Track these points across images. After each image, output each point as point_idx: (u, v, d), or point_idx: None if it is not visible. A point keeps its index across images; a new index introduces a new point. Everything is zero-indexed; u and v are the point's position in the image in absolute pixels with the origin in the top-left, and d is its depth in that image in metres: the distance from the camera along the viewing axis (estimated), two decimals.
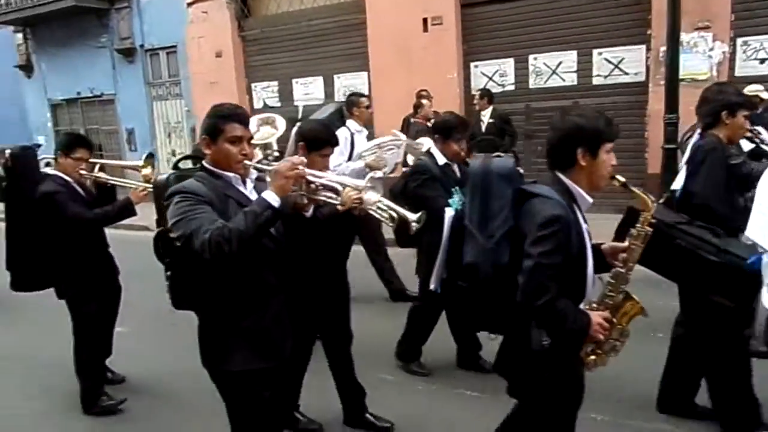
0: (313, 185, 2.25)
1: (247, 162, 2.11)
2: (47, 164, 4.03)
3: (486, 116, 7.39)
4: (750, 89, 5.37)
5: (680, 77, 6.27)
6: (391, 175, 4.94)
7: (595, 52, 7.83)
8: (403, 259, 5.44)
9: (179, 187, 2.02)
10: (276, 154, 3.58)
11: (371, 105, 5.49)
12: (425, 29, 8.69)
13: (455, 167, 3.62)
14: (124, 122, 12.68)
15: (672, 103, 6.15)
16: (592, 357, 2.08)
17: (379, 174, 2.44)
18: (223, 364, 2.11)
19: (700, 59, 7.04)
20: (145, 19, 11.73)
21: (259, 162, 3.35)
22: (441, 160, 3.58)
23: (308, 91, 10.24)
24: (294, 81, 10.38)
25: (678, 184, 3.02)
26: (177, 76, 11.67)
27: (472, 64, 8.72)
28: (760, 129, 3.79)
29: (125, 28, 11.92)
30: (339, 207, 2.51)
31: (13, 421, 3.72)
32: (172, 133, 12.18)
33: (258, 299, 2.13)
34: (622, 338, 2.09)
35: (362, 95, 5.52)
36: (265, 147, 4.15)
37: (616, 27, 7.67)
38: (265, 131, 4.20)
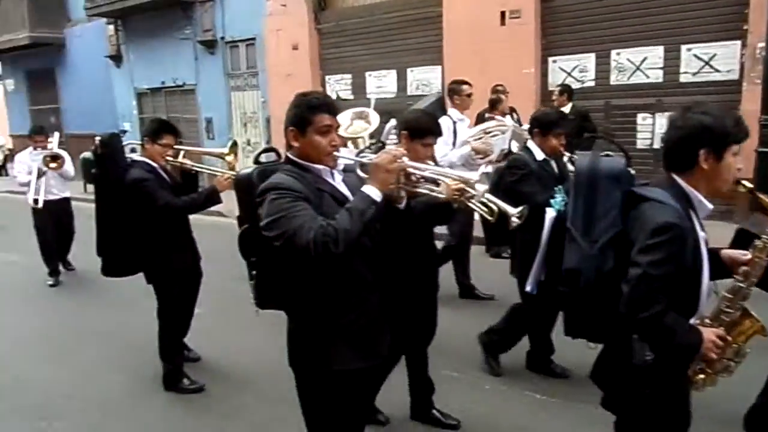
0: (413, 177, 2.16)
1: (337, 154, 2.03)
2: (132, 150, 4.15)
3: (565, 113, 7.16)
4: None
5: None
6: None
7: (683, 47, 7.41)
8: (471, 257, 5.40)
9: (274, 183, 1.92)
10: (378, 144, 3.54)
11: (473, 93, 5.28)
12: (502, 23, 8.51)
13: (553, 163, 3.51)
14: (204, 111, 13.17)
15: None
16: (701, 376, 1.91)
17: (484, 169, 2.32)
18: (322, 364, 2.03)
19: None
20: (226, 12, 12.11)
21: (363, 151, 3.37)
22: (539, 155, 3.47)
23: (381, 84, 10.28)
24: (367, 74, 10.44)
25: None
26: (254, 67, 11.99)
27: (550, 59, 8.47)
28: None
29: (208, 20, 12.36)
30: (441, 198, 2.33)
31: (101, 392, 3.97)
32: (248, 123, 12.55)
33: (355, 297, 2.05)
34: (737, 358, 1.90)
35: (464, 82, 5.23)
36: (357, 141, 4.11)
37: (708, 21, 7.22)
38: (358, 125, 4.15)
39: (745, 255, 1.87)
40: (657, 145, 7.59)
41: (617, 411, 2.02)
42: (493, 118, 6.62)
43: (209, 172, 4.01)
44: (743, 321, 1.89)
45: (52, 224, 6.60)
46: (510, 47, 8.39)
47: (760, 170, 5.83)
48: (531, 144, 3.55)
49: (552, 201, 3.00)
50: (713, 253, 1.90)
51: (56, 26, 15.98)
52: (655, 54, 7.62)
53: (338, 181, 2.09)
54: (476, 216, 2.72)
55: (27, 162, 6.46)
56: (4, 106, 19.94)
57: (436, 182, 2.24)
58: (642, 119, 7.82)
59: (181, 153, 3.87)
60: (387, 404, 3.29)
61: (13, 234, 9.32)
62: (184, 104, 13.67)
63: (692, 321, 1.85)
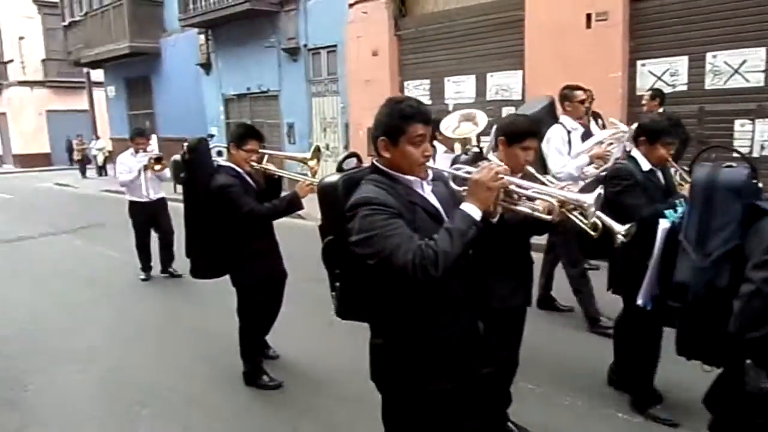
0: (514, 195, 2.00)
1: (429, 164, 1.94)
2: (219, 153, 4.26)
3: None
4: None
5: None
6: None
7: None
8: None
9: (366, 197, 1.83)
10: (476, 149, 3.37)
11: (588, 99, 4.76)
12: (588, 25, 8.23)
13: (659, 174, 3.28)
14: (286, 117, 13.60)
15: None
16: None
17: (600, 189, 2.09)
18: (413, 384, 1.96)
19: None
20: (309, 20, 12.46)
21: (457, 157, 3.31)
22: (645, 165, 3.23)
23: (460, 89, 10.21)
24: (446, 79, 10.40)
25: None
26: (335, 73, 12.25)
27: (638, 63, 8.09)
28: None
29: (292, 28, 12.76)
30: (544, 218, 2.13)
31: (185, 383, 4.17)
32: (327, 128, 12.84)
33: (448, 314, 1.96)
34: None
35: (578, 87, 4.71)
36: (465, 142, 3.99)
37: None
38: (466, 127, 4.02)
39: None
40: (756, 153, 7.08)
41: None
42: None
43: (292, 177, 4.05)
44: None
45: (149, 223, 6.93)
46: (596, 50, 8.10)
47: None
48: (636, 153, 3.30)
49: (667, 212, 2.79)
50: None
51: (153, 36, 17.07)
52: (757, 56, 7.10)
53: (428, 192, 1.99)
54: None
55: (129, 163, 6.75)
56: (105, 111, 21.48)
57: (538, 200, 2.06)
58: (740, 126, 7.31)
59: (265, 157, 3.92)
60: None
61: (111, 230, 10.03)
62: (267, 109, 14.17)
63: None
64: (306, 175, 3.88)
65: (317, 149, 4.05)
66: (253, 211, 3.65)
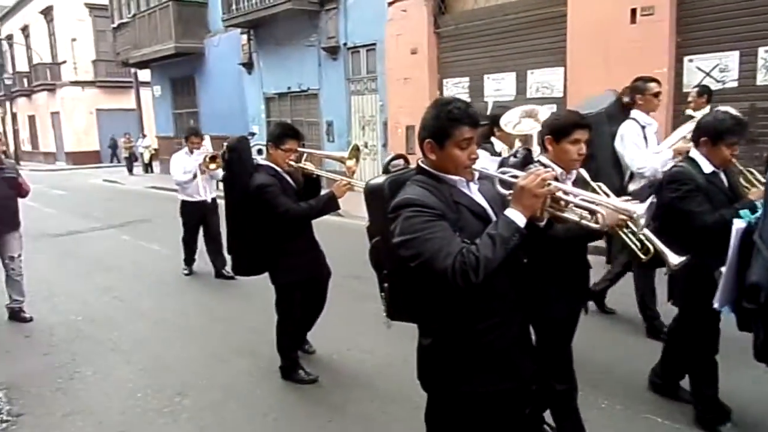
0: (562, 202, 1.90)
1: (475, 167, 1.91)
2: (259, 151, 4.29)
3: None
4: None
5: None
6: None
7: None
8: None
9: (409, 199, 1.82)
10: (524, 151, 3.27)
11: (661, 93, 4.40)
12: (633, 20, 8.01)
13: (722, 176, 3.06)
14: (325, 115, 13.73)
15: None
16: None
17: (653, 198, 1.97)
18: (461, 385, 1.94)
19: None
20: (349, 19, 12.53)
21: (505, 159, 3.25)
22: (707, 167, 3.01)
23: (499, 87, 10.10)
24: (486, 77, 10.30)
25: None
26: (374, 72, 12.29)
27: (686, 58, 7.84)
28: None
29: (332, 27, 12.86)
30: (593, 227, 1.96)
31: (224, 374, 4.27)
32: (365, 126, 12.90)
33: (498, 315, 1.93)
34: None
35: (651, 79, 4.32)
36: (525, 139, 3.90)
37: None
38: (527, 123, 3.93)
39: None
40: None
41: None
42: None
43: (329, 176, 4.06)
44: None
45: (200, 223, 6.96)
46: (641, 46, 7.88)
47: None
48: (696, 154, 3.07)
49: (742, 212, 2.65)
50: None
51: (197, 37, 17.47)
52: None
53: (475, 191, 1.96)
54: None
55: (184, 163, 6.75)
56: (151, 110, 22.13)
57: (586, 208, 1.96)
58: None
59: (304, 156, 3.94)
60: None
61: (156, 225, 10.34)
62: (307, 108, 14.33)
63: None
64: (345, 174, 3.91)
65: (356, 148, 4.04)
66: (288, 211, 3.68)
